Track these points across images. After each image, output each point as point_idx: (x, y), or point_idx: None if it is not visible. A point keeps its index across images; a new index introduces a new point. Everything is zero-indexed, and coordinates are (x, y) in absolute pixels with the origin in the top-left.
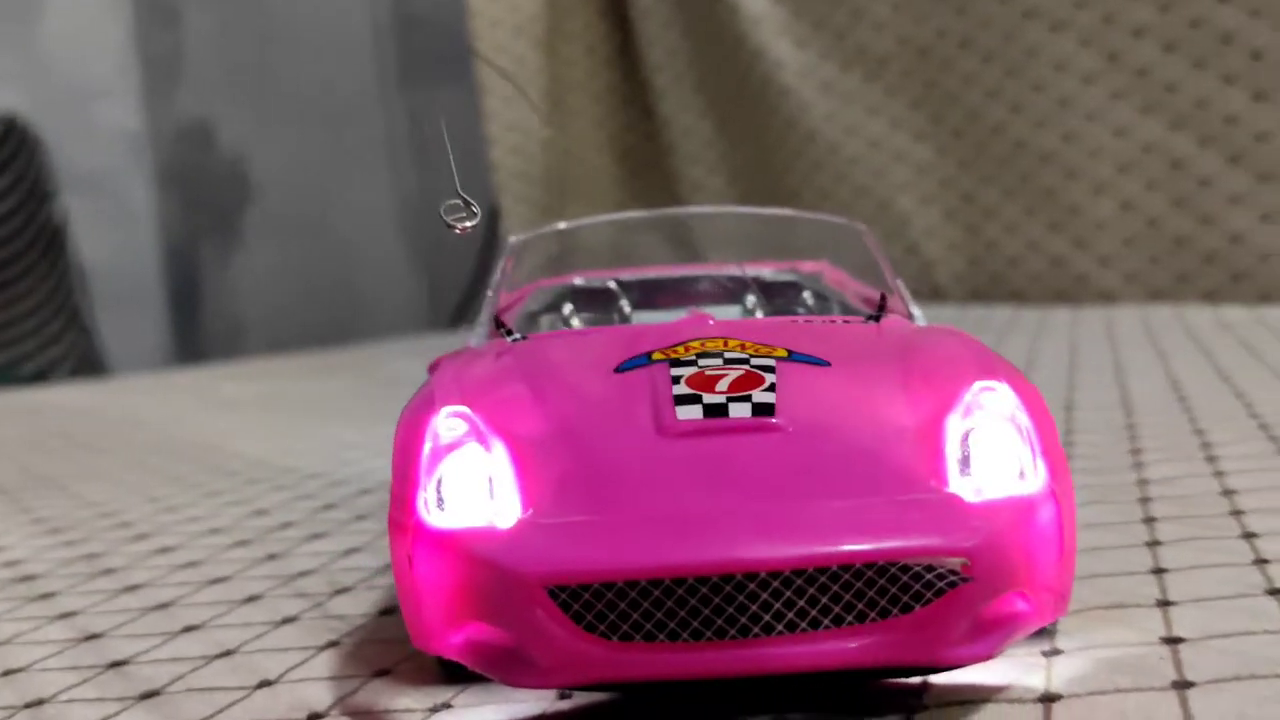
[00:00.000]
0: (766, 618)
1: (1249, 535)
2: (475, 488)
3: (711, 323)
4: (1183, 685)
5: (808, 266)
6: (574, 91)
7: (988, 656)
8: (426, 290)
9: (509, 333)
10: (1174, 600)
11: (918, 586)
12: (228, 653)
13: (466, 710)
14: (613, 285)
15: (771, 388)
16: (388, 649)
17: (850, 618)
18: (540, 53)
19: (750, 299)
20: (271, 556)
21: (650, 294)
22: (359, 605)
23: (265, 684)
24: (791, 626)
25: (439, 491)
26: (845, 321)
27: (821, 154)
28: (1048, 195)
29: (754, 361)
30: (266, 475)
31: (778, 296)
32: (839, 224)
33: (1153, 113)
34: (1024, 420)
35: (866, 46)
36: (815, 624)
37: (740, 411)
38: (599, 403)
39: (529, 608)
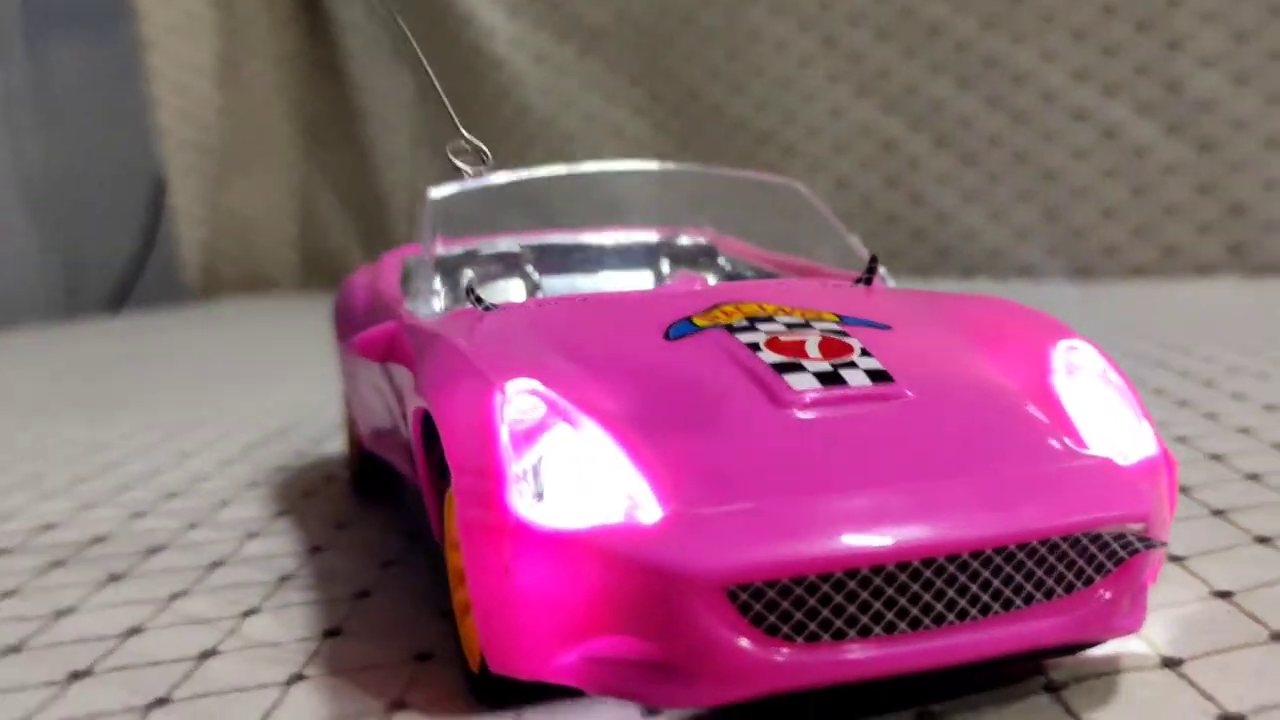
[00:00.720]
0: (962, 603)
1: None
2: (584, 477)
3: (700, 287)
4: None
5: (691, 233)
6: (252, 52)
7: (1140, 626)
8: (60, 271)
9: (479, 301)
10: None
11: (1102, 557)
12: None
13: None
14: (518, 249)
15: (866, 352)
16: None
17: (1040, 595)
18: (212, 8)
19: (665, 264)
20: None
21: (554, 260)
22: None
23: None
24: (985, 610)
25: (537, 483)
26: (835, 285)
27: (535, 128)
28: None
29: (819, 325)
30: None
31: (690, 263)
32: (775, 183)
33: (866, 96)
34: (1116, 378)
35: (583, 18)
36: (1008, 605)
37: (857, 379)
38: (676, 374)
39: (697, 613)
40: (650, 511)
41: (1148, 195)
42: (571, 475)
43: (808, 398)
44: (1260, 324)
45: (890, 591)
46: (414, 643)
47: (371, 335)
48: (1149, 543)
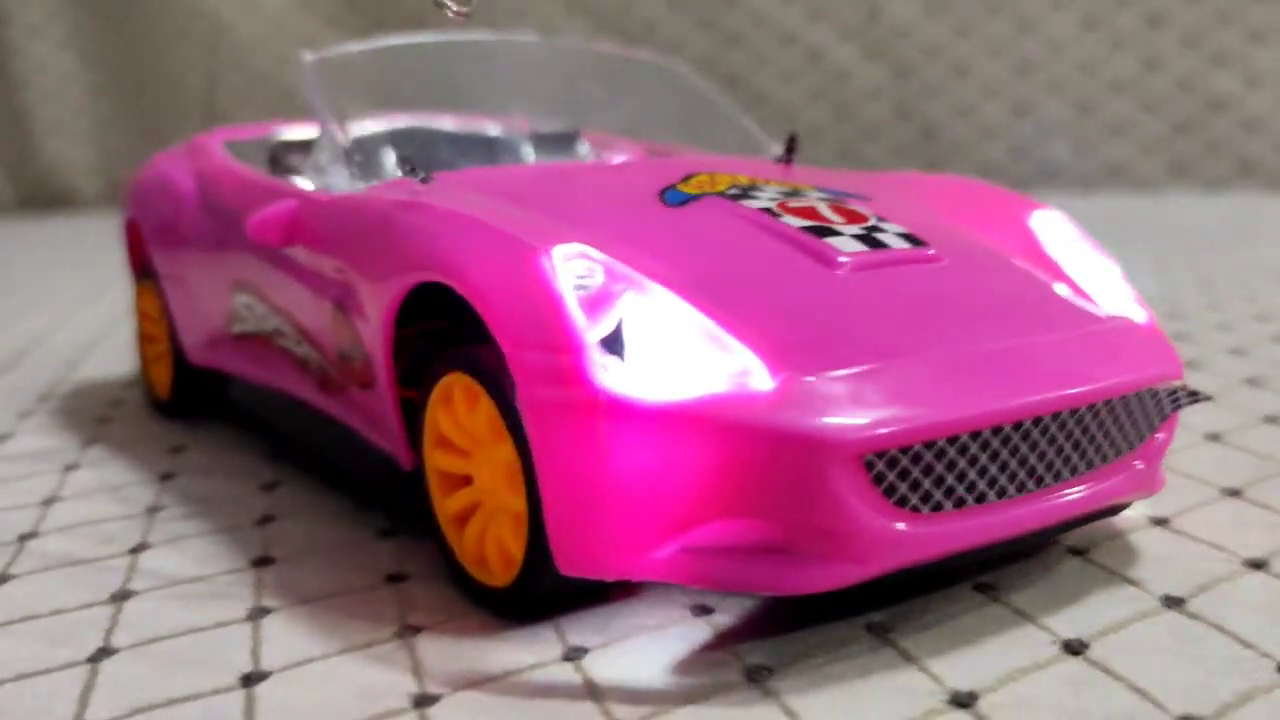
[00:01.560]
0: (1058, 463)
1: None
2: (675, 344)
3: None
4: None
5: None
6: None
7: (1163, 485)
8: None
9: (413, 171)
10: None
11: (1154, 413)
12: None
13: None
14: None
15: (882, 218)
16: None
17: (1112, 453)
18: None
19: (528, 150)
20: None
21: (423, 147)
22: None
23: None
24: (1074, 470)
25: (622, 353)
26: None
27: (213, 34)
28: None
29: (812, 195)
30: None
31: (559, 151)
32: (656, 64)
33: (576, 14)
34: (1089, 244)
35: None
36: (1089, 464)
37: (895, 242)
38: (706, 240)
39: (832, 485)
40: (761, 379)
41: (849, 117)
42: (660, 343)
43: (858, 261)
44: None
45: (1004, 454)
46: (374, 565)
47: (268, 217)
48: (1195, 396)
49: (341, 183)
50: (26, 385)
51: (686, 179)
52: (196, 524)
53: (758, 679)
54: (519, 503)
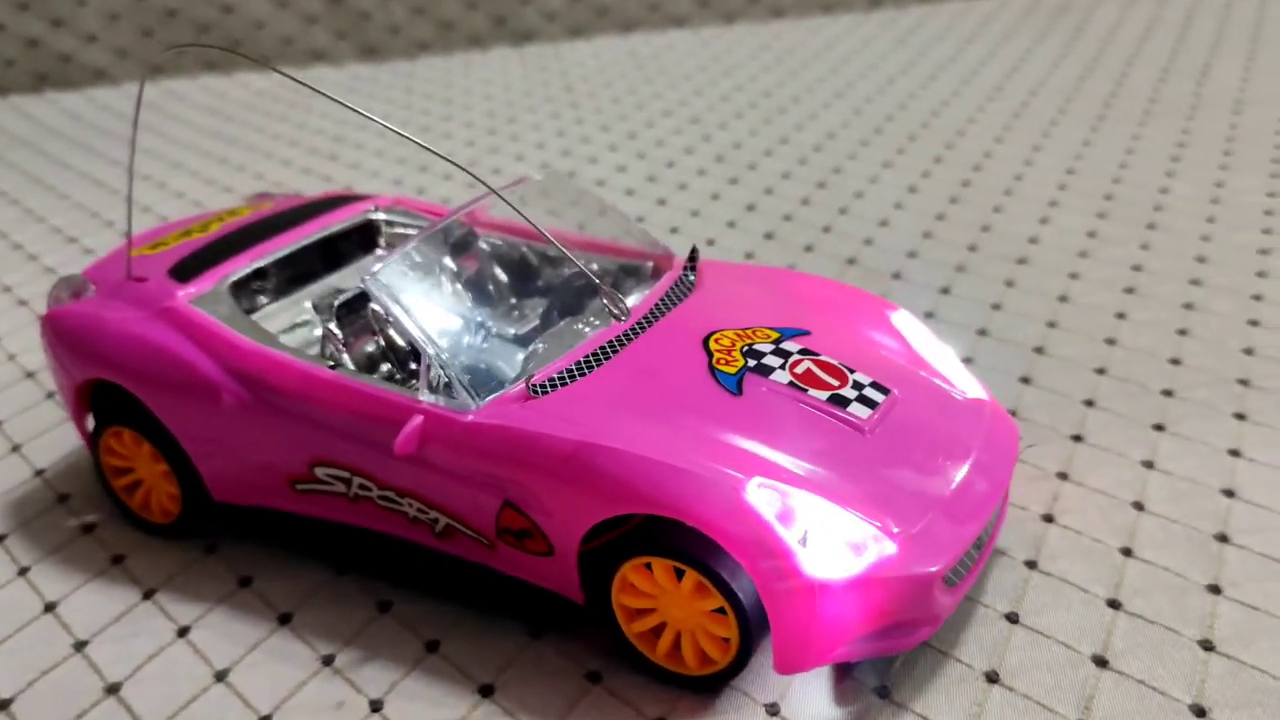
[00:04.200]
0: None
1: None
2: (837, 534)
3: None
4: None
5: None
6: None
7: None
8: None
9: (532, 387)
10: None
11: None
12: None
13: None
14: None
15: (851, 370)
16: None
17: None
18: None
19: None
20: None
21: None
22: None
23: None
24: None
25: (812, 550)
26: (672, 287)
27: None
28: None
29: (793, 350)
30: None
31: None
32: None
33: None
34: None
35: None
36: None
37: (876, 395)
38: (779, 427)
39: (934, 591)
40: (885, 543)
41: None
42: (830, 535)
43: (869, 424)
44: (536, 89)
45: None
46: (578, 666)
47: (410, 437)
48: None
49: (462, 397)
50: None
51: (709, 350)
52: (370, 652)
53: None
54: (725, 631)
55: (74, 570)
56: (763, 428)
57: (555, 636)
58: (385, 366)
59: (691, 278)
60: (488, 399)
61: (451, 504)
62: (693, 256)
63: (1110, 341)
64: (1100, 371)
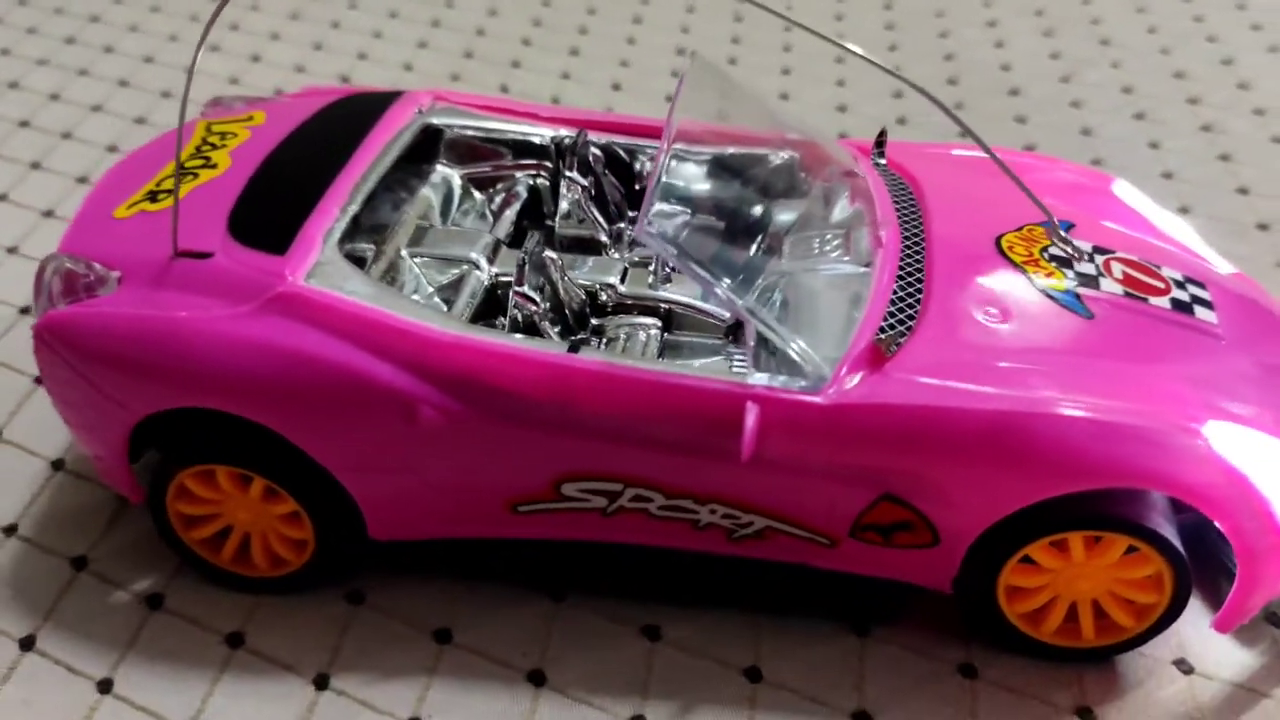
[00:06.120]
0: None
1: None
2: None
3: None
4: None
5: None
6: None
7: None
8: None
9: (887, 346)
10: None
11: None
12: None
13: None
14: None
15: (1157, 266)
16: None
17: None
18: None
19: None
20: None
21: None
22: None
23: None
24: None
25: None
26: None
27: None
28: None
29: (1084, 247)
30: None
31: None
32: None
33: None
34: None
35: None
36: None
37: (1204, 294)
38: (1159, 350)
39: None
40: None
41: None
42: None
43: (1223, 330)
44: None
45: None
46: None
47: (753, 436)
48: None
49: (814, 369)
50: None
51: (1015, 262)
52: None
53: None
54: (1148, 598)
55: None
56: (1140, 353)
57: (883, 631)
58: (554, 330)
59: (887, 170)
60: (833, 371)
61: (786, 504)
62: (879, 141)
63: None
64: None
